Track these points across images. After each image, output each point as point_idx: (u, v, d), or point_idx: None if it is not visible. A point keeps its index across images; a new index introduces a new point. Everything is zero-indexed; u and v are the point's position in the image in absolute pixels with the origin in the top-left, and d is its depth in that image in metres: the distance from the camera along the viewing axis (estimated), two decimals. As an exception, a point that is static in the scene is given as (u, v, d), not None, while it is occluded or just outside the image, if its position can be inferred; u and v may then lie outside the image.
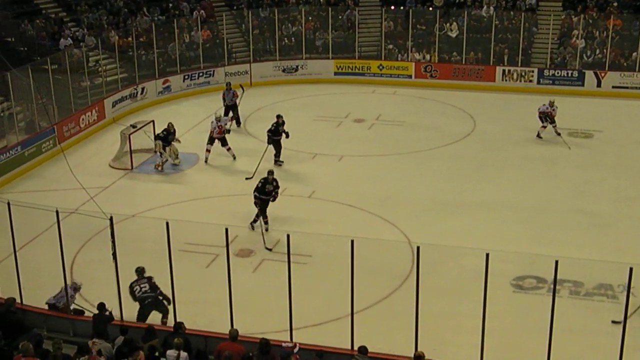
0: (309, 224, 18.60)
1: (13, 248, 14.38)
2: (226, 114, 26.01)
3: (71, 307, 14.20)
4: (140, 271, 14.67)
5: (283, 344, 12.11)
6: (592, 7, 32.31)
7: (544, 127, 24.72)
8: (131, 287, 14.40)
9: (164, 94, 29.55)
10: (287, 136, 22.90)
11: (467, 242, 16.91)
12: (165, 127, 22.81)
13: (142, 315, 14.20)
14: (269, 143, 22.67)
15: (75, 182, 18.39)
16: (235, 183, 21.63)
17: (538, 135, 24.83)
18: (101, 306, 13.21)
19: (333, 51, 32.68)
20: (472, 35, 32.04)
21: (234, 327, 12.87)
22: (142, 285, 14.42)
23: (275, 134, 22.71)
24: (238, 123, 26.29)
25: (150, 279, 14.48)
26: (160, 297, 14.29)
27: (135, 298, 14.35)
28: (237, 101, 25.97)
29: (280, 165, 22.50)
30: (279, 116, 23.01)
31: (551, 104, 24.72)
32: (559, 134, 24.59)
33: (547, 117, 24.68)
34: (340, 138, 25.45)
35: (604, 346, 13.30)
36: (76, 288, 14.64)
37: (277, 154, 22.86)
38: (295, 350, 12.07)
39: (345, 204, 20.10)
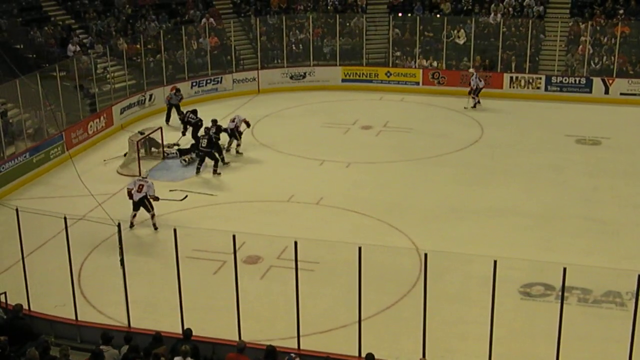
0: (317, 230, 18.59)
1: (21, 254, 14.43)
2: (170, 112, 27.28)
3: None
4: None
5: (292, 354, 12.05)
6: (600, 14, 32.27)
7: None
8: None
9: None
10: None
11: (475, 249, 16.88)
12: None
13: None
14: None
15: (83, 188, 18.46)
16: (243, 190, 21.65)
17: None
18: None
19: (341, 58, 32.72)
20: (479, 42, 32.04)
21: (241, 333, 12.90)
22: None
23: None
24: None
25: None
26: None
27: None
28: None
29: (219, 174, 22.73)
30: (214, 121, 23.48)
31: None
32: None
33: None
34: (348, 145, 25.45)
35: (612, 354, 13.24)
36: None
37: (216, 163, 22.89)
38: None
39: (353, 210, 20.08)
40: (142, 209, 18.94)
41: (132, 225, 18.87)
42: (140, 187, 18.84)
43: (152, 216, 18.94)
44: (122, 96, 28.13)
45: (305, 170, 23.13)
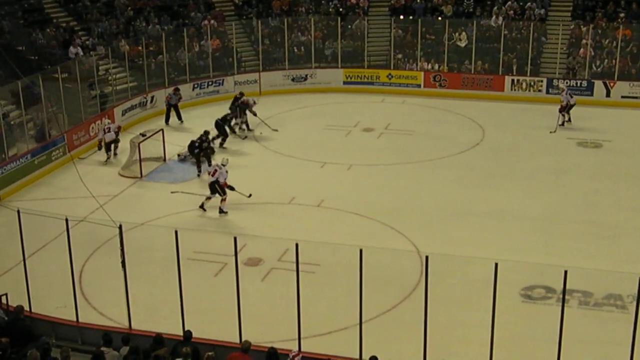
0: (318, 233, 18.59)
1: (22, 256, 14.44)
2: (169, 112, 27.63)
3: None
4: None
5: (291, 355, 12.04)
6: (601, 17, 32.29)
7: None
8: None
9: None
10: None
11: (476, 252, 16.87)
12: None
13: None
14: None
15: (84, 190, 18.47)
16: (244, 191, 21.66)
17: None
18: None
19: (342, 60, 32.74)
20: (481, 45, 32.04)
21: (242, 335, 12.88)
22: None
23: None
24: (180, 119, 27.87)
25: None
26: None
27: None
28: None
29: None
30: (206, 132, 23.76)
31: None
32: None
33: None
34: (349, 147, 25.46)
35: (613, 357, 13.23)
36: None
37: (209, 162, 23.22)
38: (298, 358, 12.01)
39: (354, 213, 20.09)
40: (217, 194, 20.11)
41: (201, 207, 20.24)
42: (214, 172, 20.08)
43: (222, 200, 20.05)
44: (124, 98, 28.16)
45: (307, 173, 23.15)
